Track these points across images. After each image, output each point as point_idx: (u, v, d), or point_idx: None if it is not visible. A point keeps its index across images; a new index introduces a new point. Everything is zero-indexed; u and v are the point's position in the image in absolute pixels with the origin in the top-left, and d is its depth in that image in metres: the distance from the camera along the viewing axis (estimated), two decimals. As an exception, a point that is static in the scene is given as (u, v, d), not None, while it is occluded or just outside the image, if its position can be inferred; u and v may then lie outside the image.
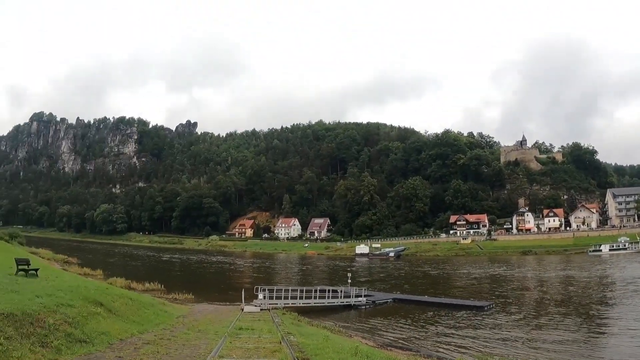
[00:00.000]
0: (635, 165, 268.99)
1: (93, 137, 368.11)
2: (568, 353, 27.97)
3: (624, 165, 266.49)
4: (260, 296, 40.97)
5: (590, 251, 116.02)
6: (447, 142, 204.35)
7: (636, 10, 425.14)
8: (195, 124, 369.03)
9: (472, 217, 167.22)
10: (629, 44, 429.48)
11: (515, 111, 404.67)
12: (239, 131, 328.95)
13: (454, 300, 49.46)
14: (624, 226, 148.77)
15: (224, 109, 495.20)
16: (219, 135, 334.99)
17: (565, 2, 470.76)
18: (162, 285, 50.73)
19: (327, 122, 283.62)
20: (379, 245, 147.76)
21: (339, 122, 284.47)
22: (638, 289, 54.30)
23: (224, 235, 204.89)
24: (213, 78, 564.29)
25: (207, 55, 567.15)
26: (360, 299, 48.26)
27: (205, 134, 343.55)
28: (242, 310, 34.75)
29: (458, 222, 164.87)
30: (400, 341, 31.73)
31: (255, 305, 37.82)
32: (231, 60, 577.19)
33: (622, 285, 58.60)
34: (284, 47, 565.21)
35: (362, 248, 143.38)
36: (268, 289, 42.49)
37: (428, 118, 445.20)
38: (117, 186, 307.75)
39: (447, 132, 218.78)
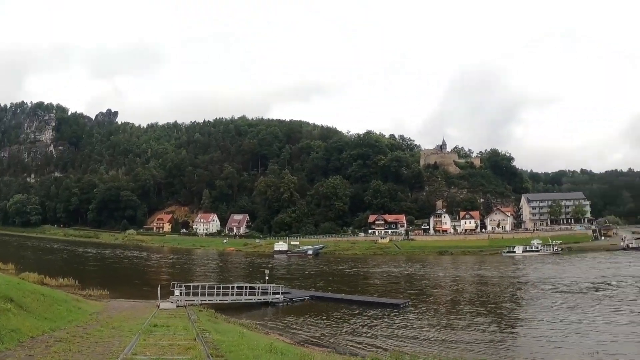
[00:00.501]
0: (549, 172, 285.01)
1: (9, 122, 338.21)
2: (480, 351, 28.05)
3: (539, 172, 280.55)
4: (177, 293, 40.71)
5: (504, 252, 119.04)
6: (369, 143, 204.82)
7: (558, 28, 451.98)
8: (116, 113, 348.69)
9: (390, 217, 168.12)
10: (549, 59, 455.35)
11: (437, 116, 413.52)
12: (160, 123, 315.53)
13: (370, 298, 50.13)
14: (537, 229, 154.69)
15: (146, 100, 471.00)
16: (139, 126, 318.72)
17: (491, 19, 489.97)
18: (77, 281, 49.91)
19: (250, 118, 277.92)
20: (297, 243, 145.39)
21: (262, 118, 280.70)
22: (549, 289, 55.91)
23: (141, 230, 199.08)
24: (137, 67, 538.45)
25: (132, 44, 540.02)
26: (277, 296, 47.80)
27: (126, 124, 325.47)
28: (158, 307, 34.49)
29: (377, 222, 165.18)
30: (317, 338, 31.65)
31: (172, 302, 37.59)
32: (156, 50, 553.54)
33: (534, 286, 60.58)
34: (208, 41, 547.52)
35: (280, 245, 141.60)
36: (185, 286, 41.86)
37: (351, 119, 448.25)
38: (32, 175, 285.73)
39: (368, 133, 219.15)
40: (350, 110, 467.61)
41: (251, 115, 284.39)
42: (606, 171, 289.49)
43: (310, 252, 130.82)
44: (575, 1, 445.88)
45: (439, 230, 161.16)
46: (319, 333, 33.76)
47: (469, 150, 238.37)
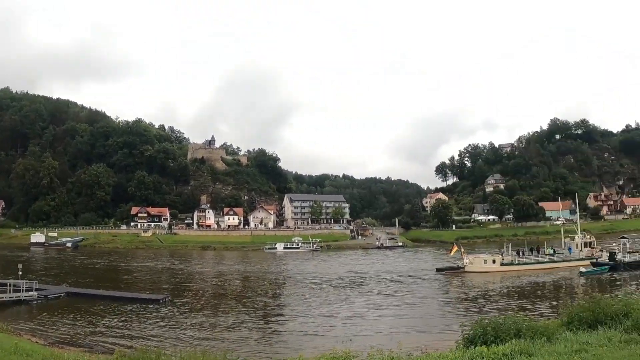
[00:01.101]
0: (313, 175, 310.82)
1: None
2: (240, 347, 27.58)
3: (304, 174, 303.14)
4: None
5: (266, 249, 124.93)
6: (137, 132, 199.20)
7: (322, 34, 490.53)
8: None
9: (154, 210, 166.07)
10: (321, 66, 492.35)
11: (210, 111, 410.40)
12: None
13: (129, 294, 48.21)
14: (298, 228, 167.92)
15: None
16: None
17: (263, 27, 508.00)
18: None
19: (15, 92, 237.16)
20: (55, 234, 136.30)
21: (27, 92, 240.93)
22: (307, 284, 58.25)
23: None
24: None
25: None
26: (31, 293, 43.87)
27: None
28: None
29: (140, 215, 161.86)
30: (71, 338, 29.88)
31: None
32: None
33: (293, 281, 62.82)
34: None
35: (38, 236, 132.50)
36: None
37: (123, 104, 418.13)
38: None
39: (138, 121, 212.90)
40: (123, 96, 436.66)
41: (16, 88, 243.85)
42: (366, 177, 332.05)
43: (69, 244, 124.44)
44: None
45: (202, 225, 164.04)
46: (74, 332, 32.00)
47: (238, 147, 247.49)
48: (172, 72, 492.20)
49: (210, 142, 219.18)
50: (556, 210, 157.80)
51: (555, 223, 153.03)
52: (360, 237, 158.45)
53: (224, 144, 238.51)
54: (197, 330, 33.00)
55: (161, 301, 43.48)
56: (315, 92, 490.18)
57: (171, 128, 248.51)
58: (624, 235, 70.21)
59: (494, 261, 62.40)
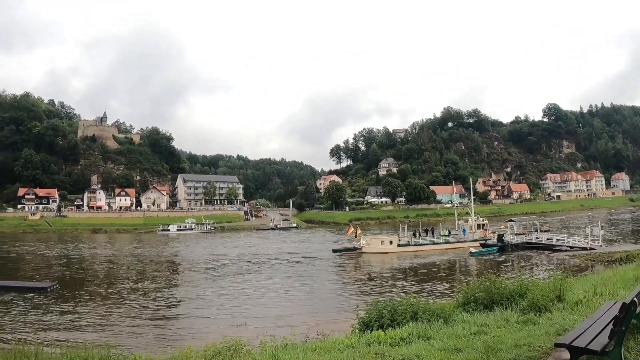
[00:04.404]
0: (207, 155, 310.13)
1: None
2: (131, 337, 25.81)
3: (198, 154, 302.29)
4: None
5: (159, 230, 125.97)
6: (25, 107, 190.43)
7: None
8: None
9: (42, 192, 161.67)
10: (216, 48, 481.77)
11: (102, 86, 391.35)
12: None
13: (11, 283, 44.46)
14: (191, 209, 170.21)
15: None
16: None
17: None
18: None
19: None
20: None
21: None
22: (200, 267, 56.94)
23: None
24: None
25: None
26: None
27: None
28: None
29: (27, 196, 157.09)
30: None
31: None
32: None
33: (187, 263, 61.44)
34: None
35: None
36: None
37: (11, 76, 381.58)
38: None
39: (27, 96, 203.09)
40: (9, 65, 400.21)
41: None
42: (260, 159, 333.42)
43: None
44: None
45: (93, 207, 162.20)
46: None
47: (130, 125, 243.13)
48: (65, 42, 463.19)
49: (102, 119, 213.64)
50: (447, 194, 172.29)
51: (445, 206, 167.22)
52: (254, 218, 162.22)
53: (117, 121, 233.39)
54: (84, 320, 30.57)
55: (48, 289, 40.42)
56: (212, 69, 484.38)
57: (61, 103, 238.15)
58: (512, 219, 73.23)
59: (390, 242, 62.98)
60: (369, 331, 11.61)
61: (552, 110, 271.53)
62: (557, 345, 6.81)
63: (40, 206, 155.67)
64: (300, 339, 13.96)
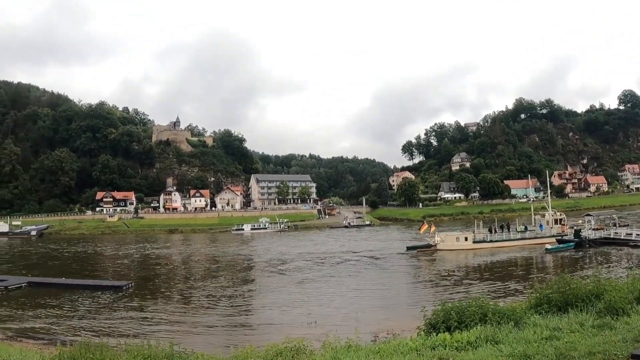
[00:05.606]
0: (279, 155, 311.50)
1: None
2: (199, 334, 26.93)
3: (270, 154, 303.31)
4: None
5: (233, 230, 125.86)
6: (100, 115, 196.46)
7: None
8: None
9: (119, 195, 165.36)
10: (287, 49, 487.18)
11: (174, 91, 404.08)
12: None
13: (92, 282, 47.20)
14: (265, 208, 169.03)
15: None
16: None
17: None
18: None
19: None
20: (19, 223, 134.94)
21: None
22: (275, 264, 58.26)
23: None
24: None
25: None
26: None
27: None
28: None
29: (105, 199, 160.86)
30: (30, 330, 28.93)
31: None
32: None
33: (262, 261, 62.14)
34: None
35: (1, 226, 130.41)
36: None
37: (87, 87, 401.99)
38: None
39: (102, 104, 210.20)
40: (85, 77, 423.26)
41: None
42: (332, 157, 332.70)
43: (33, 232, 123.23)
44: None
45: (169, 208, 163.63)
46: (33, 323, 30.80)
47: (203, 128, 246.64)
48: (137, 52, 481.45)
49: (175, 123, 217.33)
50: (521, 188, 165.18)
51: (520, 201, 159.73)
52: (327, 216, 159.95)
53: (189, 125, 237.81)
54: (157, 318, 31.70)
55: (124, 288, 42.36)
56: (283, 70, 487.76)
57: (135, 110, 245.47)
58: (589, 213, 71.41)
59: (466, 239, 62.26)
60: (435, 333, 11.37)
61: (628, 97, 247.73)
62: (634, 357, 6.50)
63: (118, 208, 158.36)
64: (369, 339, 14.73)
